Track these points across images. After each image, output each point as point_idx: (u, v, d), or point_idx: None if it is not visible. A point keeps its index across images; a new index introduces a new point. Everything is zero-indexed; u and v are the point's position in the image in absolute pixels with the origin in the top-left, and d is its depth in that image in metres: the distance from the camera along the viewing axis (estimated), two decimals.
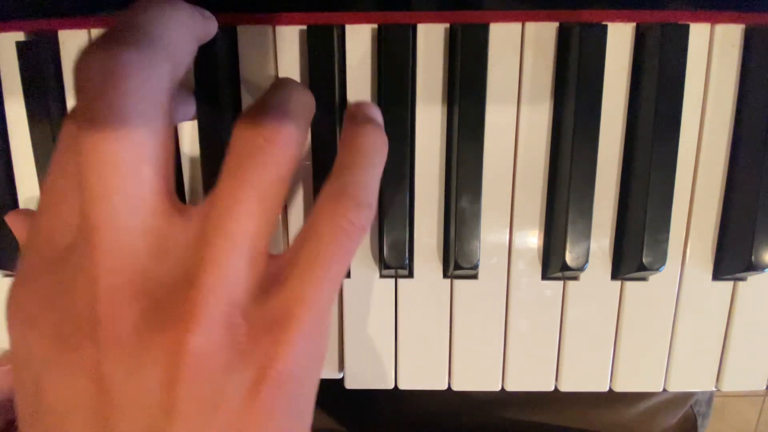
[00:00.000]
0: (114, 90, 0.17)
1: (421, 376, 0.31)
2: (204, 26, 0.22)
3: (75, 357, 0.17)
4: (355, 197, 0.20)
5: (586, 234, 0.27)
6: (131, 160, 0.17)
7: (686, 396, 0.42)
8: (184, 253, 0.18)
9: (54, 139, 0.28)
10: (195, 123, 0.27)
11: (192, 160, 0.28)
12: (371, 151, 0.22)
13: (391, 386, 0.31)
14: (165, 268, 0.18)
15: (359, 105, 0.25)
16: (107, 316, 0.17)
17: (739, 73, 0.27)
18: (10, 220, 0.25)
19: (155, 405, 0.17)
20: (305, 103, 0.23)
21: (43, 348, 0.18)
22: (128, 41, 0.17)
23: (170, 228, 0.18)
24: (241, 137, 0.19)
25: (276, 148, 0.19)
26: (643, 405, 0.41)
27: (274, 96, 0.21)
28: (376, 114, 0.25)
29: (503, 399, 0.40)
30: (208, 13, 0.23)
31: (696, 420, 0.44)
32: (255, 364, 0.18)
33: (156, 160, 0.18)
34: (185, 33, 0.20)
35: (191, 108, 0.27)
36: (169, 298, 0.18)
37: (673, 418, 0.43)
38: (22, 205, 0.29)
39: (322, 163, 0.27)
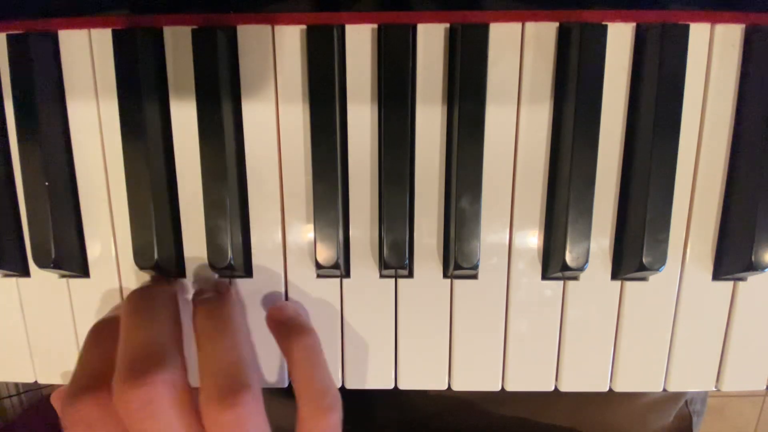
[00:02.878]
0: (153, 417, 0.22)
1: (421, 376, 0.31)
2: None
3: None
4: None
5: (586, 234, 0.27)
6: None
7: (680, 393, 0.42)
8: None
9: (42, 137, 0.28)
10: (195, 121, 0.27)
11: (191, 159, 0.28)
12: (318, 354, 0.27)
13: (391, 386, 0.31)
14: None
15: (279, 311, 0.29)
16: None
17: (739, 73, 0.28)
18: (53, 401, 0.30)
19: None
20: None
21: None
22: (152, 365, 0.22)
23: None
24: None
25: None
26: (638, 403, 0.41)
27: None
28: (296, 313, 0.29)
29: (497, 396, 0.40)
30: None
31: (691, 418, 0.44)
32: None
33: None
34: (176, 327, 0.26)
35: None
36: None
37: (668, 417, 0.43)
38: (21, 205, 0.29)
39: (320, 163, 0.27)
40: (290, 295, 0.30)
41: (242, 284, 0.30)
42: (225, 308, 0.27)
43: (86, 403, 0.23)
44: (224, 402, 0.22)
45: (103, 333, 0.26)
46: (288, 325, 0.28)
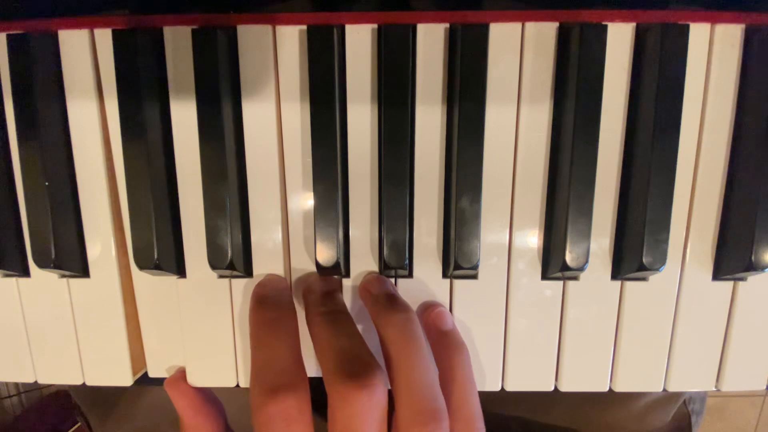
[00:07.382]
0: None
1: None
2: None
3: None
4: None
5: (586, 234, 0.27)
6: None
7: (679, 393, 0.42)
8: None
9: (42, 137, 0.28)
10: (195, 121, 0.27)
11: (191, 159, 0.28)
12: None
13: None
14: None
15: (443, 320, 0.28)
16: None
17: (739, 73, 0.28)
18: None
19: None
20: None
21: None
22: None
23: None
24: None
25: None
26: (636, 403, 0.41)
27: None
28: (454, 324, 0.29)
29: (497, 395, 0.40)
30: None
31: (690, 417, 0.44)
32: None
33: None
34: None
35: None
36: None
37: (667, 416, 0.43)
38: (21, 205, 0.29)
39: (320, 163, 0.27)
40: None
41: (242, 284, 0.30)
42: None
43: (289, 398, 0.23)
44: (427, 427, 0.22)
45: (281, 325, 0.26)
46: (451, 338, 0.28)
